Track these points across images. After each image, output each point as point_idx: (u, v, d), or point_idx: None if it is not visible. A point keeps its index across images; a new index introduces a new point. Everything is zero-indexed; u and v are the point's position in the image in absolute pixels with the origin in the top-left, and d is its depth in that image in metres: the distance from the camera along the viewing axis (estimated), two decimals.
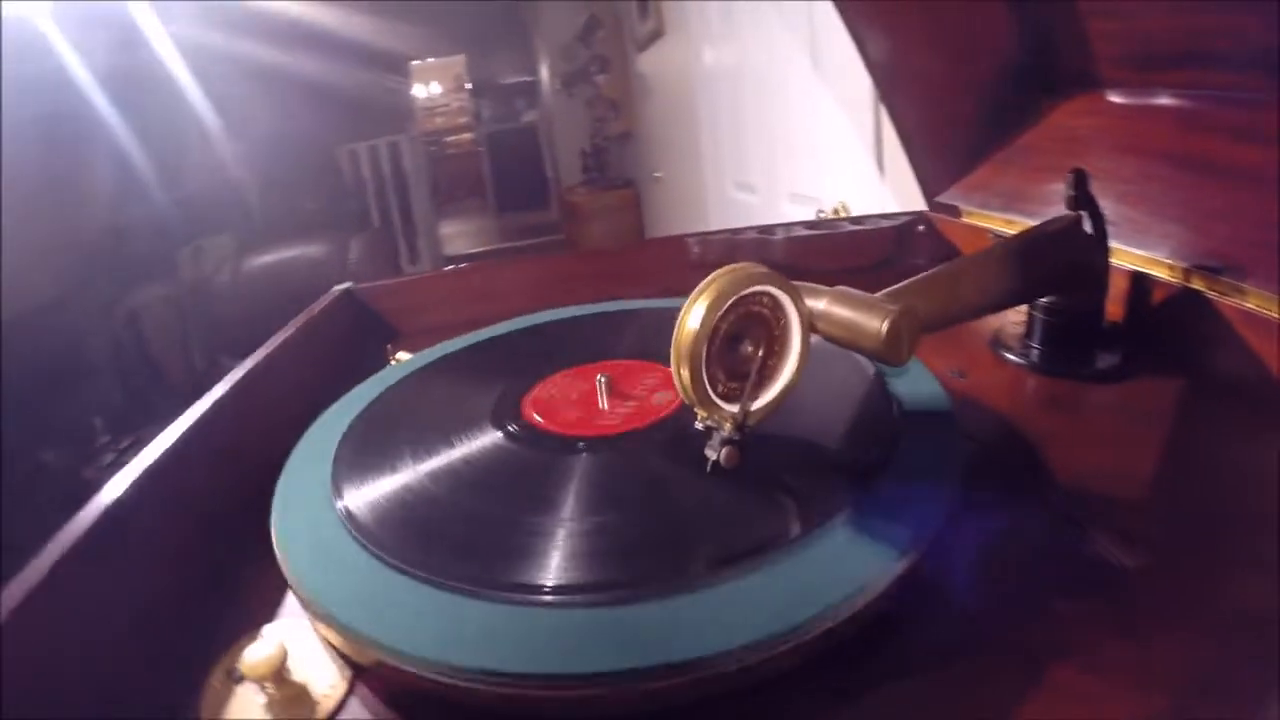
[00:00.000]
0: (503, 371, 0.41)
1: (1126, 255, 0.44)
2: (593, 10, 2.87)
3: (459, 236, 4.07)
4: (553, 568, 0.25)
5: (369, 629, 0.24)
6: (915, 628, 0.25)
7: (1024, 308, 0.44)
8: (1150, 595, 0.25)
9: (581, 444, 0.33)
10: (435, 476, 0.31)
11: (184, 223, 2.33)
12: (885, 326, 0.27)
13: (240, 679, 0.24)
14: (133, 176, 1.94)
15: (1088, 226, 0.40)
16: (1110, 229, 0.40)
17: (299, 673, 0.25)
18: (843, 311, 0.29)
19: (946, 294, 0.33)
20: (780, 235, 0.66)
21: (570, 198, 3.43)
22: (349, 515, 0.29)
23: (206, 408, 0.42)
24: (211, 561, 0.33)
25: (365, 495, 0.31)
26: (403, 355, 0.53)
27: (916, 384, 0.36)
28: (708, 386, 0.27)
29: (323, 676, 0.25)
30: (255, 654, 0.23)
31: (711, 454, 0.28)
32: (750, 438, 0.28)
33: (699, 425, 0.29)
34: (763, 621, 0.22)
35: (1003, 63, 0.59)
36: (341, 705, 0.24)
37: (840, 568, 0.24)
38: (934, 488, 0.28)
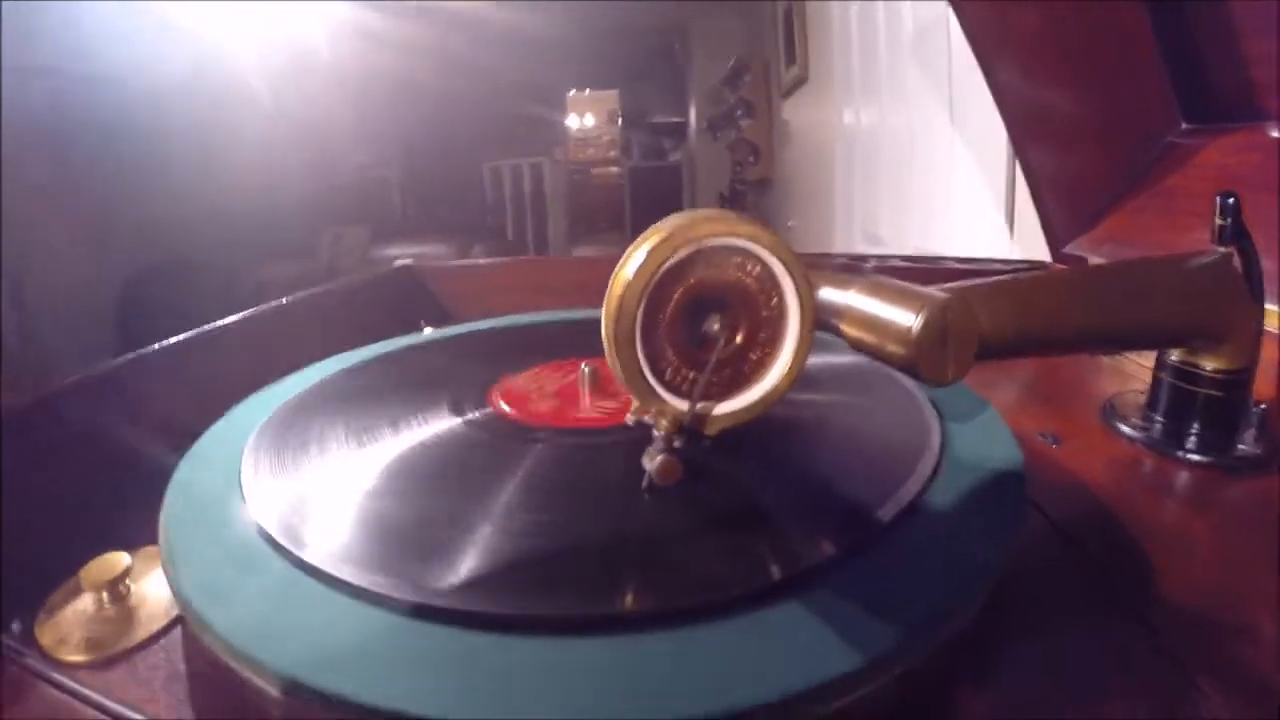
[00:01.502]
0: (501, 358, 0.36)
1: None
2: (741, 54, 2.86)
3: None
4: (453, 572, 0.19)
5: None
6: None
7: (1145, 364, 0.34)
8: None
9: (540, 435, 0.27)
10: (353, 461, 0.26)
11: (329, 210, 2.50)
12: (919, 322, 0.20)
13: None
14: (282, 161, 2.11)
15: (1238, 265, 0.30)
16: (1267, 285, 0.30)
17: (141, 597, 0.24)
18: (871, 303, 0.22)
19: (1024, 306, 0.24)
20: (872, 264, 0.58)
21: None
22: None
23: (191, 334, 0.41)
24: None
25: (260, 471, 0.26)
26: (429, 330, 0.51)
27: (982, 432, 0.27)
28: (643, 364, 0.20)
29: (159, 610, 0.23)
30: (96, 564, 0.24)
31: (646, 464, 0.21)
32: (704, 450, 0.21)
33: (629, 419, 0.22)
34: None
35: (1145, 95, 0.49)
36: (155, 638, 0.22)
37: (768, 661, 0.16)
38: (954, 577, 0.19)
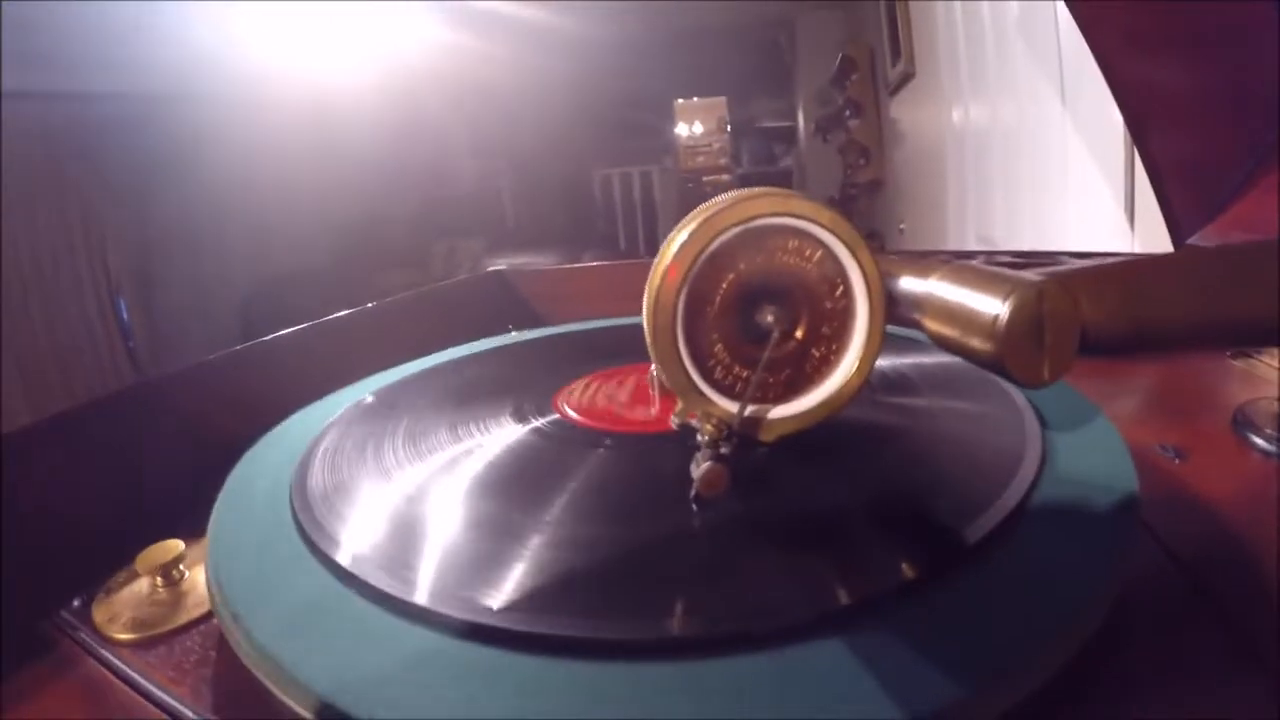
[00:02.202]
0: (579, 362, 0.35)
1: None
2: (847, 52, 2.77)
3: None
4: (505, 585, 0.17)
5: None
6: None
7: None
8: None
9: (608, 440, 0.25)
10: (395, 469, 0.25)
11: (443, 222, 2.61)
12: (1008, 311, 0.17)
13: None
14: (395, 175, 2.22)
15: None
16: None
17: (193, 584, 0.24)
18: (954, 290, 0.19)
19: (1138, 292, 0.20)
20: (979, 260, 0.53)
21: None
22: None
23: (283, 333, 0.42)
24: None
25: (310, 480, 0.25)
26: (514, 334, 0.51)
27: (1091, 443, 0.23)
28: (686, 360, 0.18)
29: (204, 598, 0.23)
30: (153, 549, 0.24)
31: (694, 471, 0.19)
32: (761, 457, 0.18)
33: (674, 422, 0.20)
34: None
35: (1272, 68, 0.42)
36: (196, 623, 0.22)
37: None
38: (1040, 620, 0.16)
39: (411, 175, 2.36)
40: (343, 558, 0.19)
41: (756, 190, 0.18)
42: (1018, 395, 0.27)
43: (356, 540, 0.20)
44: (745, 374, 0.19)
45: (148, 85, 1.48)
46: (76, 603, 0.24)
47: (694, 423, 0.19)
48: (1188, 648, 0.18)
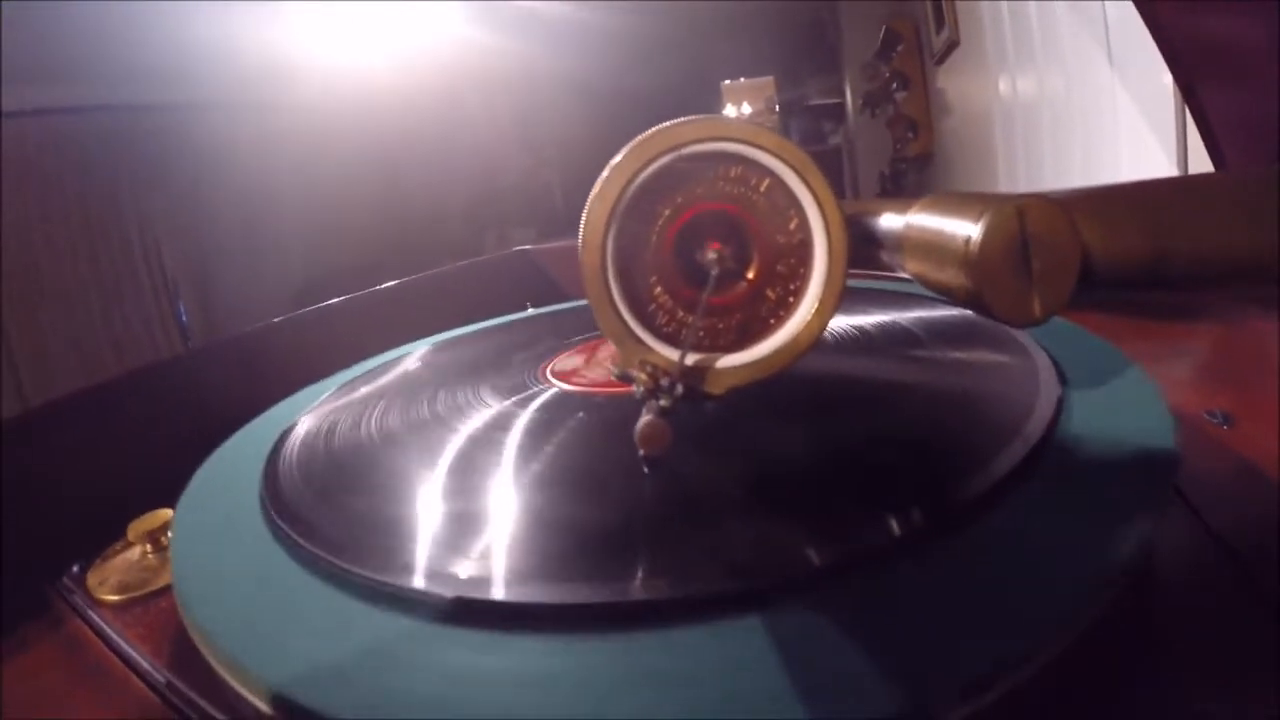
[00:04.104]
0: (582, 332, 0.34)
1: None
2: (890, 24, 2.68)
3: None
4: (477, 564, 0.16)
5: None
6: None
7: None
8: None
9: (587, 405, 0.24)
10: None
11: (494, 212, 2.65)
12: (980, 231, 0.15)
13: None
14: (445, 171, 2.27)
15: None
16: None
17: None
18: (931, 219, 0.17)
19: (1159, 218, 0.17)
20: None
21: None
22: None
23: (306, 310, 0.43)
24: None
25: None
26: (531, 310, 0.52)
27: (1120, 398, 0.21)
28: (620, 304, 0.17)
29: None
30: (144, 517, 0.25)
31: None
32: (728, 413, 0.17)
33: (612, 373, 0.19)
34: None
35: None
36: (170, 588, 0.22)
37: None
38: (1032, 603, 0.13)
39: (461, 170, 2.40)
40: (284, 522, 0.18)
41: (698, 116, 0.17)
42: (1037, 352, 0.25)
43: (317, 517, 0.19)
44: (692, 320, 0.18)
45: (199, 94, 1.54)
46: (76, 568, 0.25)
47: (629, 371, 0.18)
48: (1226, 637, 0.16)
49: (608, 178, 0.16)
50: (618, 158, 0.16)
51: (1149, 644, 0.16)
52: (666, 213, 0.17)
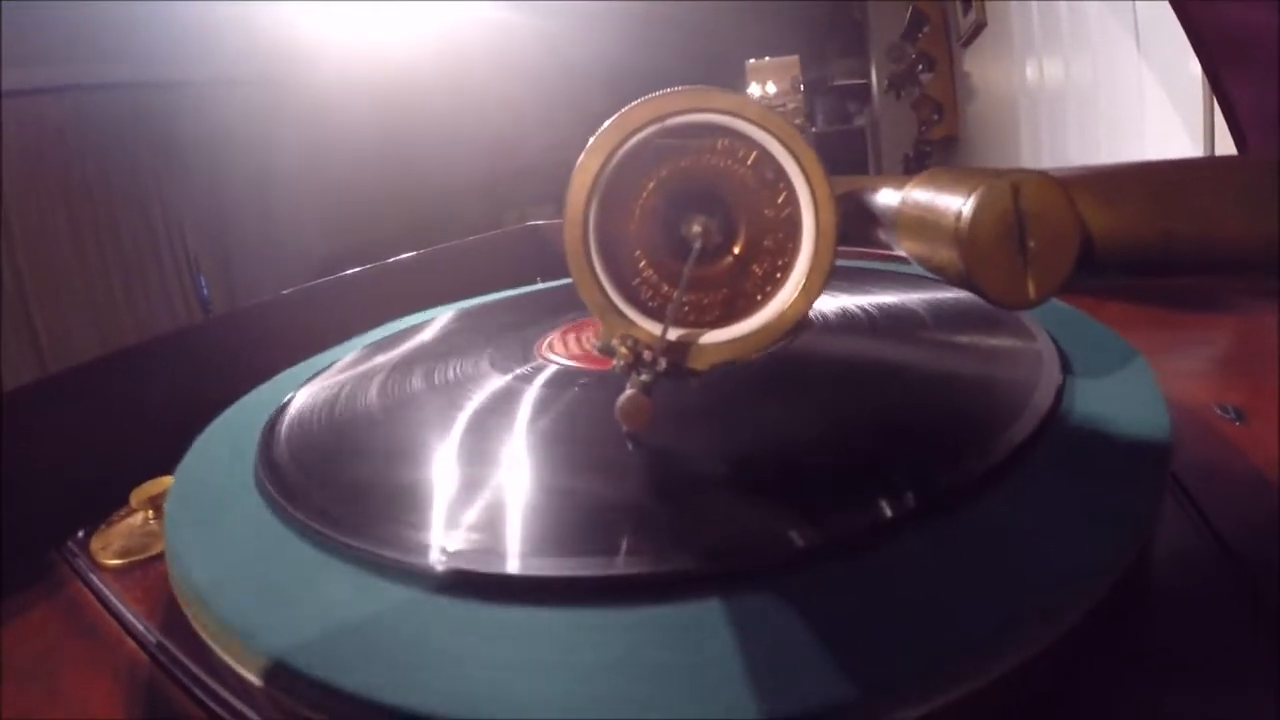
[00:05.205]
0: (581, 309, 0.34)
1: None
2: (917, 5, 2.62)
3: None
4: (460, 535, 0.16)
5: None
6: None
7: None
8: None
9: (583, 379, 0.24)
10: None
11: (512, 191, 2.65)
12: (971, 206, 0.15)
13: None
14: (462, 149, 2.27)
15: None
16: None
17: None
18: (925, 195, 0.17)
19: (1166, 198, 0.16)
20: None
21: None
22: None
23: (314, 283, 0.44)
24: None
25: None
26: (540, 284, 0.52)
27: (1120, 389, 0.21)
28: (602, 277, 0.17)
29: None
30: (147, 484, 0.25)
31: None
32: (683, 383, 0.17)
33: (595, 347, 0.19)
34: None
35: None
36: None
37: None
38: (1016, 592, 0.13)
39: (482, 148, 2.40)
40: (280, 493, 0.19)
41: (687, 87, 0.17)
42: (1041, 335, 0.25)
43: (310, 487, 0.19)
44: (675, 294, 0.18)
45: (219, 71, 1.55)
46: (81, 534, 0.25)
47: (610, 345, 0.18)
48: (1226, 643, 0.15)
49: (590, 148, 0.16)
50: (601, 129, 0.16)
51: (1149, 644, 0.15)
52: (651, 185, 0.17)
